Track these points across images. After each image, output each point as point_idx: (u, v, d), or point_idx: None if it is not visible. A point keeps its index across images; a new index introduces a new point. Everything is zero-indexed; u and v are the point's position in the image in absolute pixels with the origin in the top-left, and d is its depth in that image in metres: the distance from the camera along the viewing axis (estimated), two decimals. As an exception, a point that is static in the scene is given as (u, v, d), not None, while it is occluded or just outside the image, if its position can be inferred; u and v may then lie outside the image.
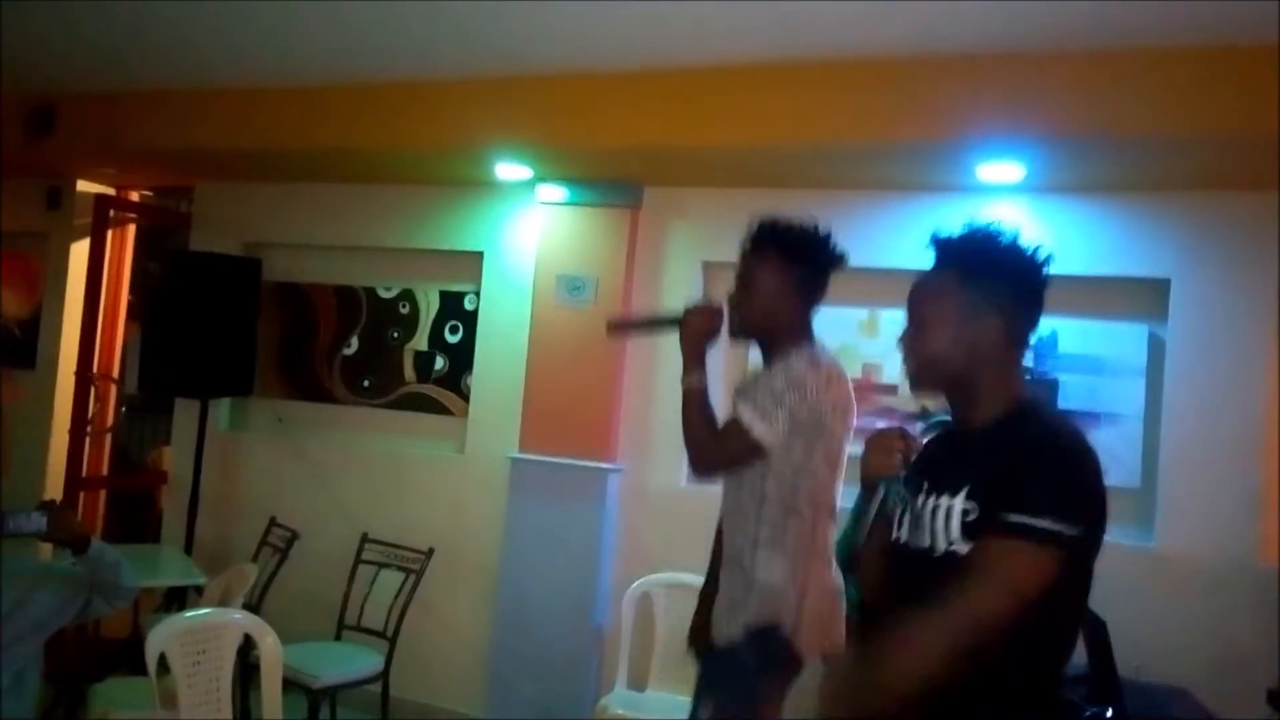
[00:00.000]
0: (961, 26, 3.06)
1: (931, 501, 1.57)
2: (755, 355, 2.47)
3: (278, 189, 4.98)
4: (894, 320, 3.91)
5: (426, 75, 3.94)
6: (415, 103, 4.04)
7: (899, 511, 1.64)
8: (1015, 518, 1.42)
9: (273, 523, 4.40)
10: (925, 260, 1.68)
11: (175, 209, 5.49)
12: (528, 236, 4.45)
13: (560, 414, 4.26)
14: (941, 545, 1.52)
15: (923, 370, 1.65)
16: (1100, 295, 3.70)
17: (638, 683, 3.75)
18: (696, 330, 2.29)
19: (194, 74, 4.21)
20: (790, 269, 2.27)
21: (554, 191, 4.35)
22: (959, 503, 1.51)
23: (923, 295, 1.65)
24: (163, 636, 2.75)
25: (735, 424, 2.22)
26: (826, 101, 3.48)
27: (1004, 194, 3.73)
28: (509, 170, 4.26)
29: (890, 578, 1.67)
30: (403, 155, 4.28)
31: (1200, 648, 3.34)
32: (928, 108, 3.35)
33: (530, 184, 4.37)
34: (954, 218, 3.95)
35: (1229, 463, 3.49)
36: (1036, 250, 1.61)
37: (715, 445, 2.24)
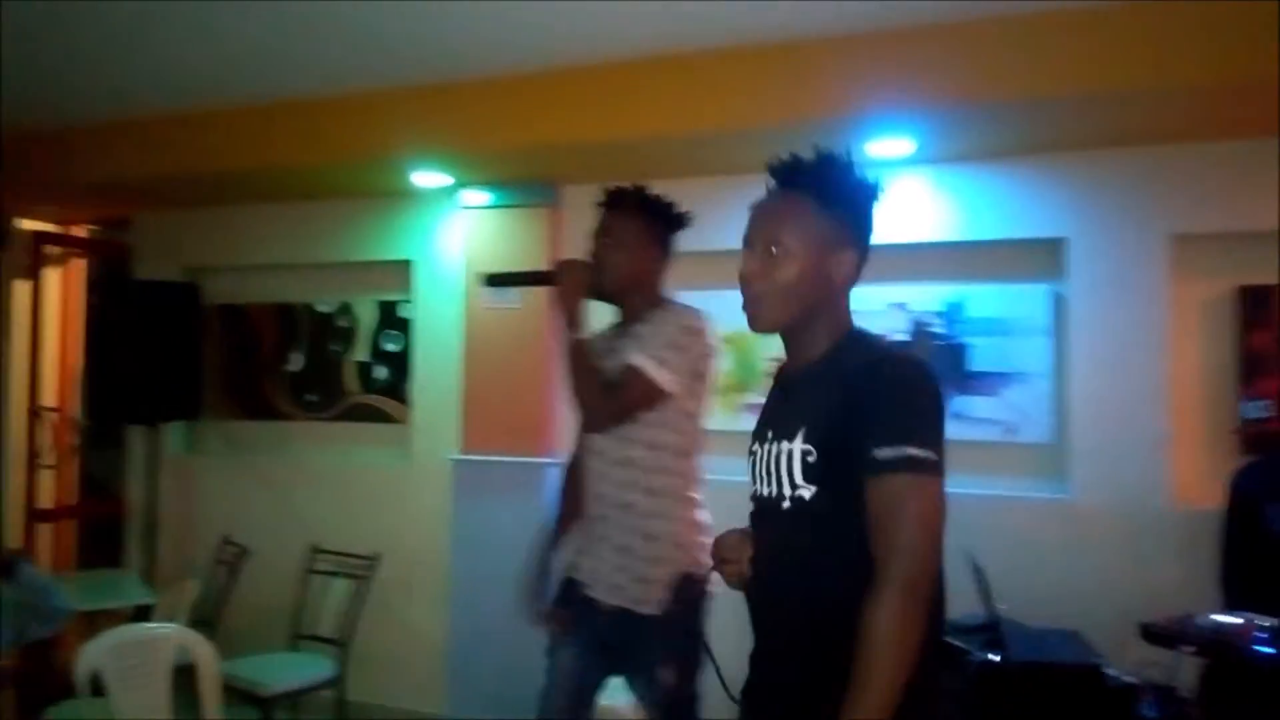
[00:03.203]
0: (842, 6, 3.15)
1: (775, 449, 1.52)
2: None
3: (212, 213, 5.06)
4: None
5: (344, 89, 4.02)
6: (333, 117, 4.12)
7: (747, 462, 1.62)
8: (887, 452, 1.36)
9: (224, 540, 4.49)
10: (768, 182, 1.60)
11: (118, 241, 5.57)
12: (454, 242, 4.54)
13: (499, 413, 4.35)
14: (789, 492, 1.48)
15: (775, 306, 1.52)
16: (1002, 259, 3.81)
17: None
18: (573, 284, 2.31)
19: (120, 105, 4.29)
20: (655, 227, 2.39)
21: (477, 195, 4.44)
22: (798, 446, 1.47)
23: (777, 220, 1.52)
24: (94, 654, 2.82)
25: (633, 372, 2.23)
26: (723, 89, 3.57)
27: (897, 167, 3.82)
28: (427, 178, 4.36)
29: (754, 528, 1.63)
30: (326, 170, 4.35)
31: (1118, 592, 3.44)
32: (817, 88, 3.44)
33: (453, 190, 4.47)
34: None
35: (1136, 410, 3.58)
36: (879, 181, 1.56)
37: (612, 396, 2.24)
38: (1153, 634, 2.55)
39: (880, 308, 3.87)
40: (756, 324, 1.55)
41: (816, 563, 1.47)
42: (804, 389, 1.53)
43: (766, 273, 1.51)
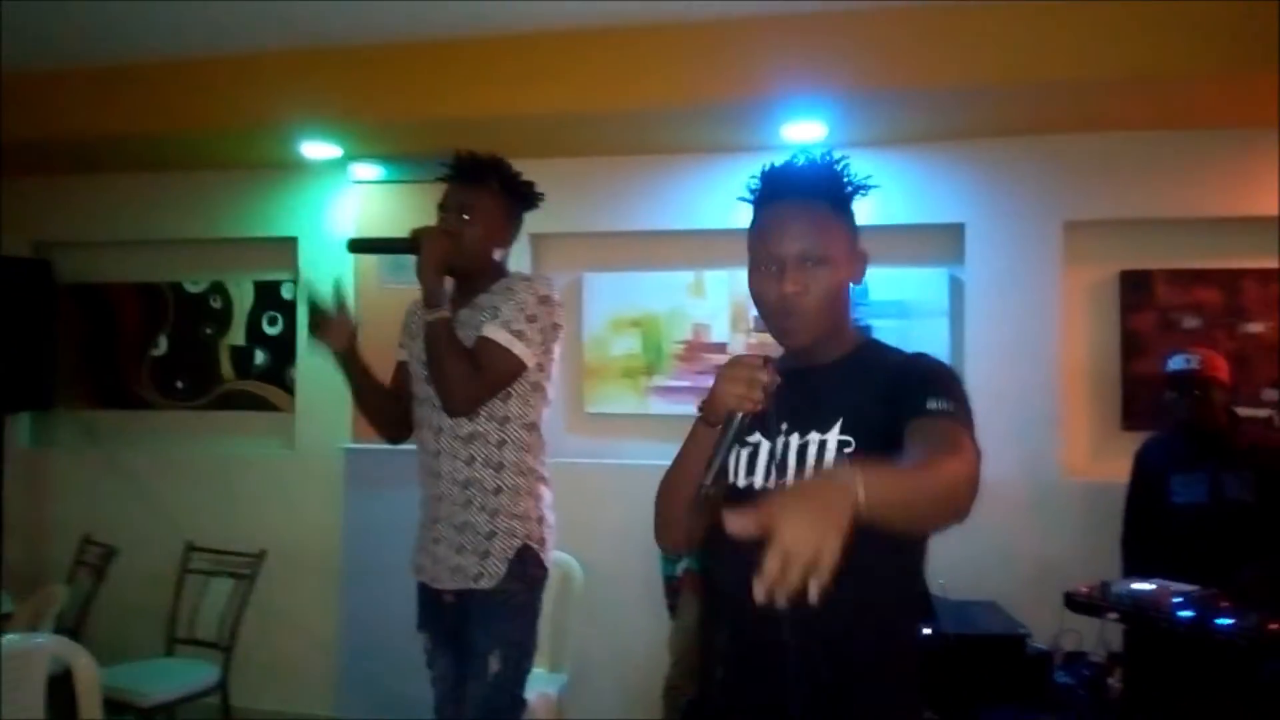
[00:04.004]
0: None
1: (795, 440, 1.48)
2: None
3: (67, 182, 4.61)
4: (719, 280, 4.01)
5: (222, 51, 3.73)
6: (212, 80, 3.80)
7: (736, 454, 1.52)
8: (938, 404, 1.35)
9: (86, 541, 4.12)
10: (771, 195, 1.50)
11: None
12: (344, 218, 4.29)
13: (393, 399, 4.15)
14: None
15: (816, 319, 1.47)
16: (903, 243, 3.89)
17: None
18: (436, 255, 2.15)
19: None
20: (513, 203, 2.28)
21: (368, 170, 4.22)
22: (833, 438, 1.44)
23: (809, 231, 1.47)
24: (-42, 671, 2.53)
25: (493, 347, 2.12)
26: (635, 66, 3.50)
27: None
28: (316, 149, 4.10)
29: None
30: (202, 138, 4.02)
31: (1016, 563, 3.60)
32: (732, 70, 3.42)
33: (342, 163, 4.23)
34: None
35: (1028, 389, 3.73)
36: (868, 178, 1.55)
37: (476, 375, 2.11)
38: (1076, 602, 2.65)
39: (787, 290, 3.90)
40: (795, 339, 1.49)
41: (843, 557, 1.42)
42: (830, 385, 1.50)
43: (807, 287, 1.45)
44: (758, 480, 1.50)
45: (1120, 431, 3.73)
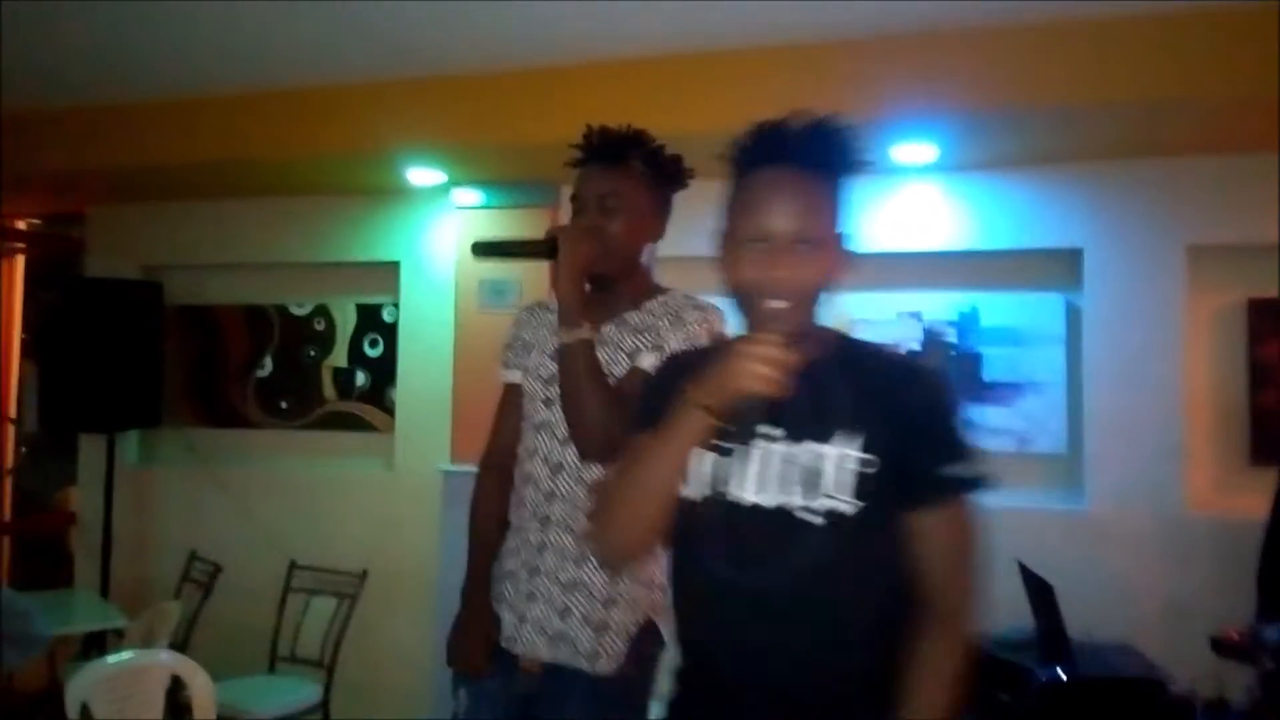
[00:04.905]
0: (869, 9, 3.08)
1: (795, 449, 1.30)
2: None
3: (177, 208, 4.75)
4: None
5: (330, 79, 3.81)
6: (319, 109, 3.89)
7: (716, 460, 1.34)
8: (951, 471, 1.29)
9: (193, 557, 4.20)
10: (764, 159, 1.34)
11: (67, 236, 5.21)
12: (445, 243, 4.34)
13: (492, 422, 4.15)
14: (817, 503, 1.27)
15: (803, 306, 1.31)
16: (1016, 268, 3.79)
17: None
18: (580, 260, 1.74)
19: (80, 90, 3.98)
20: (663, 187, 1.89)
21: (470, 195, 4.26)
22: (852, 453, 1.28)
23: (806, 208, 1.30)
24: (84, 685, 2.57)
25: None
26: (739, 90, 3.46)
27: (917, 174, 3.77)
28: (421, 175, 4.16)
29: (730, 544, 1.33)
30: (308, 164, 4.12)
31: (1140, 601, 3.44)
32: (842, 91, 3.35)
33: (444, 189, 4.28)
34: (868, 199, 3.90)
35: (1151, 420, 3.58)
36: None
37: (623, 414, 1.66)
38: (1224, 647, 2.51)
39: (893, 316, 3.82)
40: (784, 328, 1.29)
41: (850, 582, 1.31)
42: (821, 389, 1.31)
43: (799, 271, 1.29)
44: (746, 492, 1.32)
45: (1248, 466, 3.56)
